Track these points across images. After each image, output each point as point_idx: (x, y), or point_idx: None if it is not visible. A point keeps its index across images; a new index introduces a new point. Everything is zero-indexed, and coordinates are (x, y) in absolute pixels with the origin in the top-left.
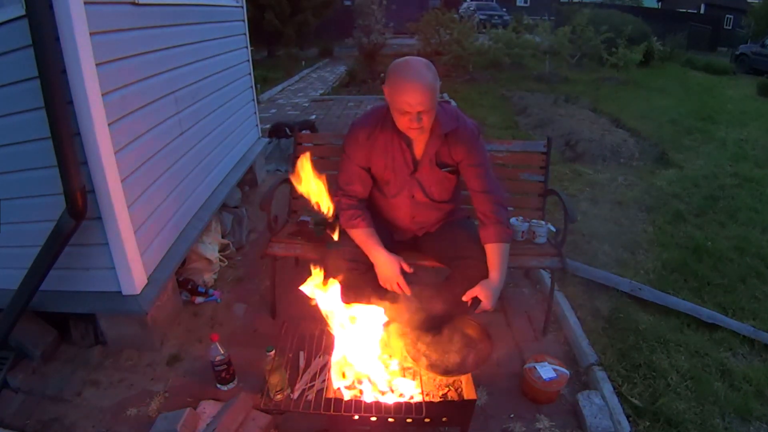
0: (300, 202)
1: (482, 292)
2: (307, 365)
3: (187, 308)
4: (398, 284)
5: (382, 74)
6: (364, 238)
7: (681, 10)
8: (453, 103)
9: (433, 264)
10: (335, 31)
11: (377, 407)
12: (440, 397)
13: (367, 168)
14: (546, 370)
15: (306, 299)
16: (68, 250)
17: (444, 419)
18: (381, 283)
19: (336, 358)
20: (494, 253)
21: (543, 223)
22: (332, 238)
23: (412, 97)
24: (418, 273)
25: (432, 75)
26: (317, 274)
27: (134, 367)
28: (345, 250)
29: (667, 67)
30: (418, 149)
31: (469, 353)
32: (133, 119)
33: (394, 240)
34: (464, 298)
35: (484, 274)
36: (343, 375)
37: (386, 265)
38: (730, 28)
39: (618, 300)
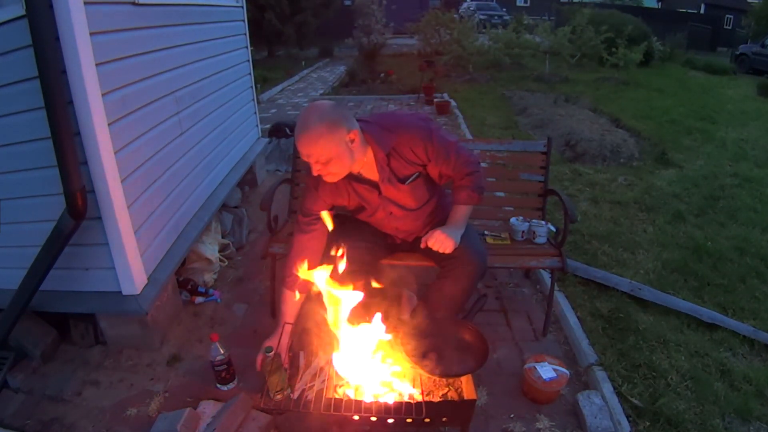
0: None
1: (433, 232)
2: (307, 365)
3: (187, 308)
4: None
5: (382, 74)
6: (281, 298)
7: (681, 10)
8: (453, 103)
9: (429, 263)
10: (335, 31)
11: (377, 407)
12: (440, 397)
13: (330, 204)
14: (546, 370)
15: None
16: (68, 250)
17: (444, 419)
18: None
19: (336, 358)
20: (456, 211)
21: (543, 223)
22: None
23: (301, 147)
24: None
25: (325, 126)
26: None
27: (134, 367)
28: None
29: (667, 67)
30: (372, 174)
31: (466, 356)
32: (133, 119)
33: (394, 243)
34: (422, 245)
35: (474, 272)
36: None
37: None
38: (730, 28)
39: (618, 300)
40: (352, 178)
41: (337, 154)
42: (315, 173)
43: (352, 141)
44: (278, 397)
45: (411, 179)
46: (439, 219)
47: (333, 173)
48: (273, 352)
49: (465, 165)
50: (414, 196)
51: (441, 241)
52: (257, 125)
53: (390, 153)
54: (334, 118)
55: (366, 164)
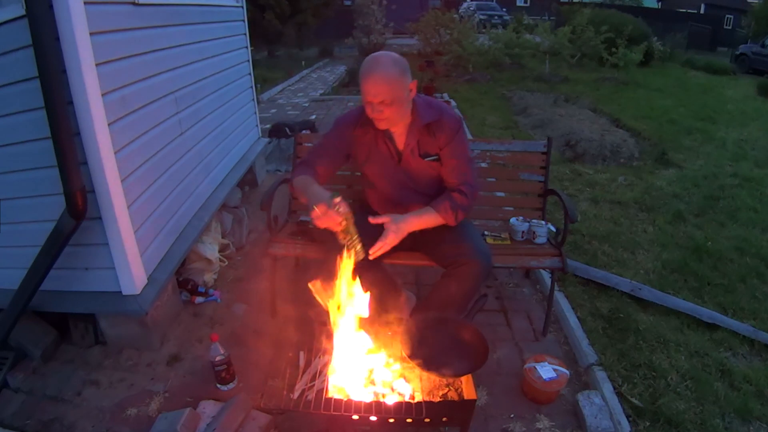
0: (300, 203)
1: (386, 217)
2: (307, 365)
3: (187, 308)
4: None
5: None
6: (301, 185)
7: (681, 10)
8: (453, 103)
9: (431, 263)
10: (335, 31)
11: (377, 407)
12: (440, 397)
13: (346, 154)
14: (546, 370)
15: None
16: (68, 250)
17: (444, 419)
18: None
19: (336, 359)
20: (425, 212)
21: (543, 223)
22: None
23: (373, 86)
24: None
25: (398, 69)
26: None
27: (134, 367)
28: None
29: (667, 67)
30: (400, 141)
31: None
32: (133, 119)
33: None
34: (370, 220)
35: (479, 273)
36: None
37: (313, 201)
38: (730, 28)
39: (618, 300)
40: (386, 132)
41: (399, 99)
42: (374, 115)
43: (410, 92)
44: (358, 247)
45: (431, 158)
46: None
47: (388, 118)
48: (339, 198)
49: (463, 180)
50: (428, 177)
51: (390, 222)
52: (257, 125)
53: (427, 125)
54: (403, 66)
55: (401, 126)
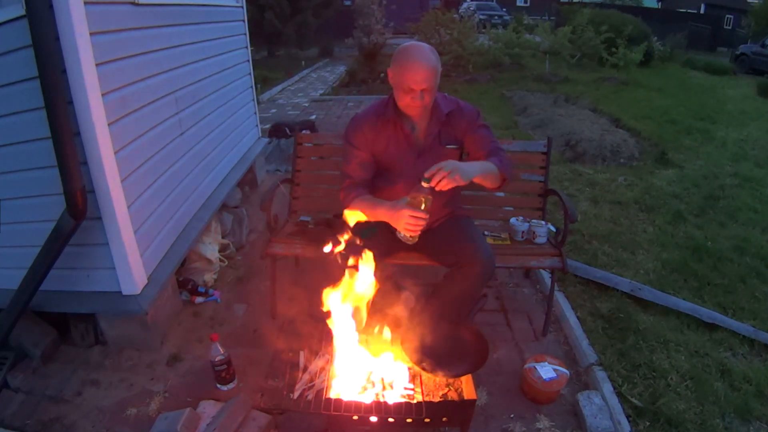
0: (300, 202)
1: (446, 163)
2: (307, 365)
3: (187, 308)
4: (413, 219)
5: (382, 74)
6: (365, 203)
7: (681, 10)
8: None
9: (432, 263)
10: (335, 31)
11: (377, 407)
12: (440, 397)
13: (371, 156)
14: (546, 370)
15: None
16: (68, 250)
17: (444, 419)
18: (398, 229)
19: (337, 358)
20: (485, 164)
21: (543, 223)
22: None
23: (418, 74)
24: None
25: (435, 57)
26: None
27: (134, 367)
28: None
29: (667, 67)
30: (422, 132)
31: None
32: (133, 119)
33: (395, 238)
34: (426, 174)
35: (482, 273)
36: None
37: (394, 209)
38: (730, 28)
39: (618, 300)
40: (408, 124)
41: (436, 87)
42: (414, 102)
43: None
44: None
45: (452, 146)
46: (452, 218)
47: (426, 105)
48: (427, 184)
49: (495, 147)
50: None
51: (452, 170)
52: (257, 125)
53: (447, 114)
54: (437, 55)
55: (425, 116)
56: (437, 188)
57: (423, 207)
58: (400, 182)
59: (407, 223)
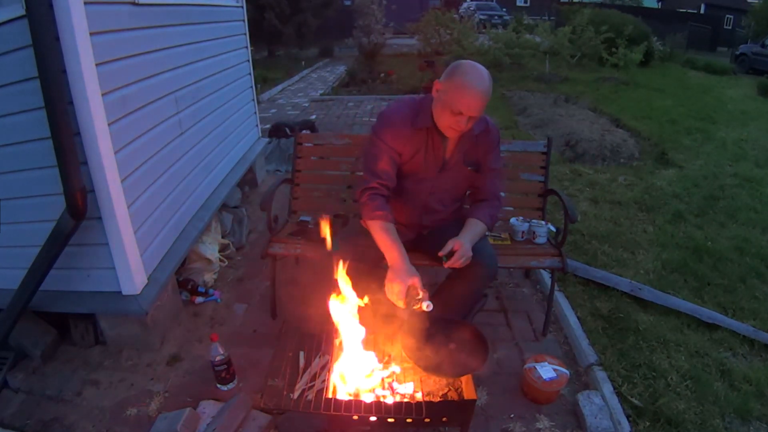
0: (300, 202)
1: (458, 242)
2: (307, 365)
3: (187, 308)
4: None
5: (382, 74)
6: (380, 235)
7: (681, 10)
8: None
9: (433, 264)
10: (335, 31)
11: (377, 407)
12: (440, 397)
13: (399, 156)
14: (546, 370)
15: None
16: (68, 250)
17: (444, 419)
18: (386, 294)
19: (337, 358)
20: (475, 225)
21: (543, 223)
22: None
23: (475, 101)
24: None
25: (491, 84)
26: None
27: (134, 367)
28: (349, 251)
29: (667, 67)
30: (450, 148)
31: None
32: (133, 119)
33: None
34: (440, 254)
35: (485, 275)
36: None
37: (396, 279)
38: (730, 28)
39: (618, 300)
40: (441, 137)
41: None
42: (458, 126)
43: None
44: (424, 305)
45: (473, 167)
46: (454, 220)
47: (468, 130)
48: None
49: (497, 194)
50: (461, 186)
51: (465, 255)
52: (257, 125)
53: (477, 135)
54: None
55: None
56: (446, 266)
57: (416, 307)
58: (415, 191)
59: (398, 298)
